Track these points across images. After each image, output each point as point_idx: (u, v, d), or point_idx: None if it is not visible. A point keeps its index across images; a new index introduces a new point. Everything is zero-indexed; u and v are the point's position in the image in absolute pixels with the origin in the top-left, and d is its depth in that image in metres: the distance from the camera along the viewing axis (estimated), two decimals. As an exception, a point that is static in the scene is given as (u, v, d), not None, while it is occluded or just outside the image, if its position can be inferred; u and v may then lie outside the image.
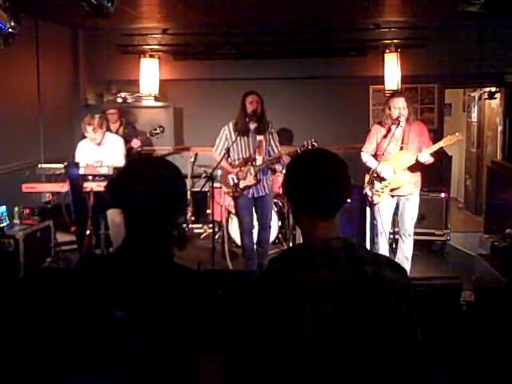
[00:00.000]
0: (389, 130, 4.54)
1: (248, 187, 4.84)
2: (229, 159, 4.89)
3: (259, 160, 4.84)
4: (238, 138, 4.77)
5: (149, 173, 1.49)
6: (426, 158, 4.43)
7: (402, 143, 4.54)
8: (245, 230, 4.97)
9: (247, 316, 1.48)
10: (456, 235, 6.00)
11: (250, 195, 4.88)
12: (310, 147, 4.73)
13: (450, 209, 5.84)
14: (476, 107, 8.15)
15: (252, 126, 4.78)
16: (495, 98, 7.25)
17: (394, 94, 4.73)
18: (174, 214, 1.55)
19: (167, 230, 1.53)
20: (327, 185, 1.50)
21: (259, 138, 4.83)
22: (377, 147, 4.68)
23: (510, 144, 6.91)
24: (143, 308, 1.39)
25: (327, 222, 1.52)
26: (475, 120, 8.18)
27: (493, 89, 7.13)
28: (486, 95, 7.41)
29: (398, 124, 4.44)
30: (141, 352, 1.39)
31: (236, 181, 4.83)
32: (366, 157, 4.71)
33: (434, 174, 5.10)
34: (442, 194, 5.73)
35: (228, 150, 4.81)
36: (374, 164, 4.59)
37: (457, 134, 4.53)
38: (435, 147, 4.45)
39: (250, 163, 4.82)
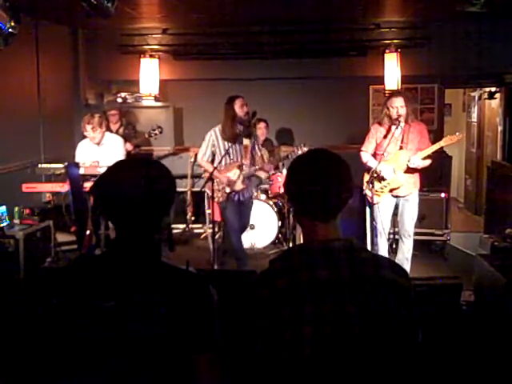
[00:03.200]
0: (389, 130, 4.54)
1: (235, 192, 4.83)
2: (215, 164, 4.79)
3: (246, 164, 4.84)
4: (226, 145, 4.74)
5: (133, 173, 1.48)
6: (417, 162, 4.42)
7: (402, 143, 4.53)
8: (234, 233, 4.97)
9: (246, 316, 1.48)
10: (456, 235, 5.99)
11: (235, 198, 4.87)
12: (299, 152, 4.78)
13: (450, 209, 5.84)
14: (476, 107, 8.15)
15: (239, 130, 4.75)
16: (495, 98, 7.24)
17: (393, 93, 4.72)
18: (160, 214, 1.53)
19: (154, 231, 1.52)
20: (327, 187, 1.49)
21: (245, 142, 4.83)
22: (376, 147, 4.67)
23: (510, 144, 6.91)
24: (134, 308, 1.39)
25: (328, 224, 1.51)
26: (475, 120, 8.18)
27: (493, 89, 7.13)
28: (486, 95, 7.41)
29: (398, 124, 4.44)
30: (136, 350, 1.39)
31: (224, 186, 4.79)
32: (366, 156, 4.70)
33: (434, 174, 5.10)
34: (442, 194, 5.73)
35: (214, 156, 4.79)
36: (374, 164, 4.58)
37: (457, 133, 4.53)
38: (435, 147, 4.45)
39: (237, 168, 4.80)
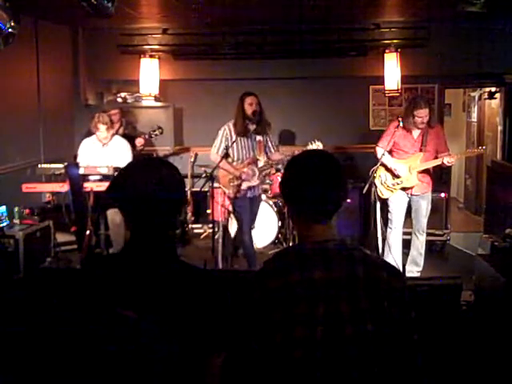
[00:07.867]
0: (408, 130, 4.69)
1: (251, 187, 4.85)
2: (228, 160, 4.85)
3: (261, 160, 4.86)
4: (238, 139, 4.77)
5: (149, 173, 1.51)
6: (451, 160, 4.63)
7: (422, 145, 4.69)
8: (245, 230, 4.97)
9: (241, 317, 1.47)
10: (456, 235, 6.00)
11: (248, 195, 4.88)
12: (313, 147, 4.79)
13: (450, 209, 5.85)
14: (476, 107, 8.15)
15: (251, 127, 4.78)
16: (495, 98, 7.24)
17: (419, 102, 4.61)
18: (175, 212, 1.57)
19: (170, 229, 1.55)
20: (323, 188, 1.49)
21: (258, 138, 4.85)
22: (394, 144, 4.78)
23: (510, 144, 6.90)
24: (152, 307, 1.39)
25: (323, 225, 1.51)
26: (475, 120, 8.18)
27: (493, 89, 7.12)
28: (485, 95, 7.40)
29: (418, 128, 4.65)
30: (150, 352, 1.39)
31: (239, 182, 4.80)
32: (381, 152, 4.78)
33: (434, 174, 5.11)
34: (442, 194, 5.73)
35: (227, 150, 4.80)
36: (388, 160, 4.73)
37: (479, 148, 4.78)
38: (457, 156, 4.72)
39: (253, 163, 4.83)
